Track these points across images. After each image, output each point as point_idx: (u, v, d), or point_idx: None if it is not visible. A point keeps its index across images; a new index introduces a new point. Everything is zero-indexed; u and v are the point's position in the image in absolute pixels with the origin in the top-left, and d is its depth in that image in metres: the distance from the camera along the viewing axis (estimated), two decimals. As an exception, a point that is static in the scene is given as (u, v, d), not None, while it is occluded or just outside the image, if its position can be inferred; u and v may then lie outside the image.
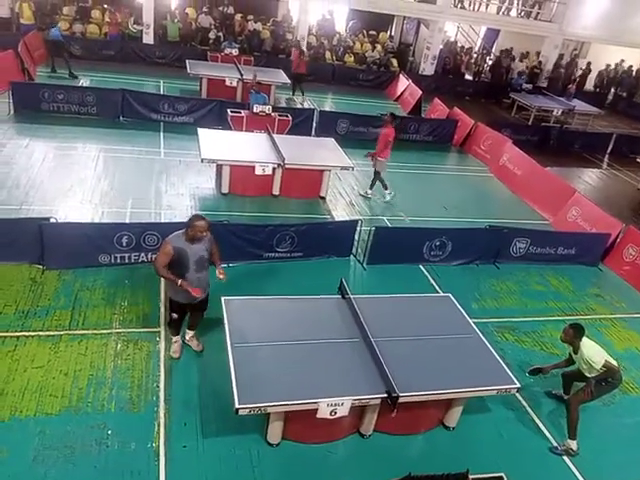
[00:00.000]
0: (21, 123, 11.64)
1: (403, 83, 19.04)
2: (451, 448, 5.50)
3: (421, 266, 8.68)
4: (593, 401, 5.71)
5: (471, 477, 4.22)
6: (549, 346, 7.29)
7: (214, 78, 14.98)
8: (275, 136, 10.85)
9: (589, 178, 14.84)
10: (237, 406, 4.54)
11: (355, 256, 8.62)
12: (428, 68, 21.36)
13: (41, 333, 6.12)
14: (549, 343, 7.34)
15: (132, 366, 5.86)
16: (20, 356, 5.76)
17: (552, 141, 16.23)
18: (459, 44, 25.14)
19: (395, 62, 21.94)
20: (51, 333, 6.14)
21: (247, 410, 4.58)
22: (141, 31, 18.49)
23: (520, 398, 6.24)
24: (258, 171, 9.76)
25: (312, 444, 5.25)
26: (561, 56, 23.28)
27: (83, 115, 12.41)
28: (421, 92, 17.39)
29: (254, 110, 12.09)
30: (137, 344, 6.17)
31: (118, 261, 7.41)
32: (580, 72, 23.69)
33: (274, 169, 9.89)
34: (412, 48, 23.93)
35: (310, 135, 13.09)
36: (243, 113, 12.23)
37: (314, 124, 13.55)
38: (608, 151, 16.86)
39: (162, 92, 15.06)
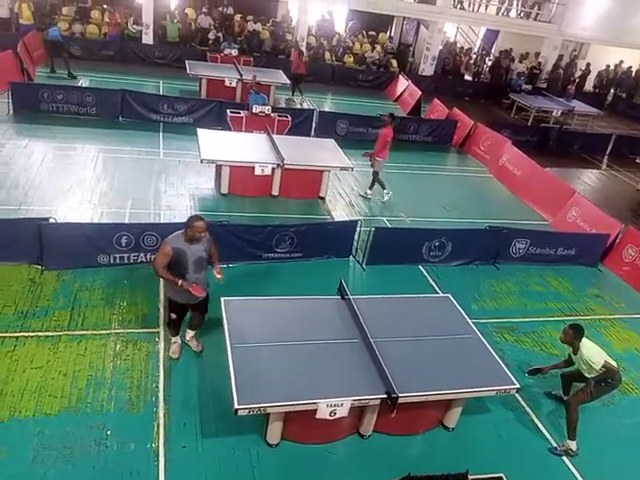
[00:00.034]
0: (20, 123, 11.63)
1: (403, 84, 19.04)
2: (451, 448, 5.50)
3: (421, 267, 8.68)
4: (592, 402, 5.71)
5: (471, 477, 4.22)
6: (548, 346, 7.29)
7: (213, 78, 14.98)
8: (274, 136, 10.85)
9: (588, 179, 14.85)
10: (236, 406, 4.54)
11: (354, 257, 8.62)
12: (428, 69, 21.38)
13: (40, 333, 6.11)
14: (548, 344, 7.34)
15: (131, 367, 5.86)
16: (19, 356, 5.76)
17: (551, 142, 16.24)
18: (459, 45, 25.16)
19: (395, 63, 21.95)
20: (50, 334, 6.13)
21: (246, 410, 4.58)
22: (140, 31, 18.50)
23: (519, 398, 6.24)
24: (257, 171, 9.76)
25: (311, 444, 5.25)
26: (560, 57, 23.30)
27: (82, 115, 12.40)
28: (421, 93, 17.39)
29: (253, 111, 12.09)
30: (136, 345, 6.17)
31: (117, 261, 7.40)
32: (579, 73, 23.70)
33: (273, 169, 9.89)
34: (412, 49, 23.94)
35: (309, 136, 13.10)
36: (242, 113, 12.23)
37: (313, 124, 13.55)
38: (607, 152, 16.87)
39: (161, 92, 15.05)
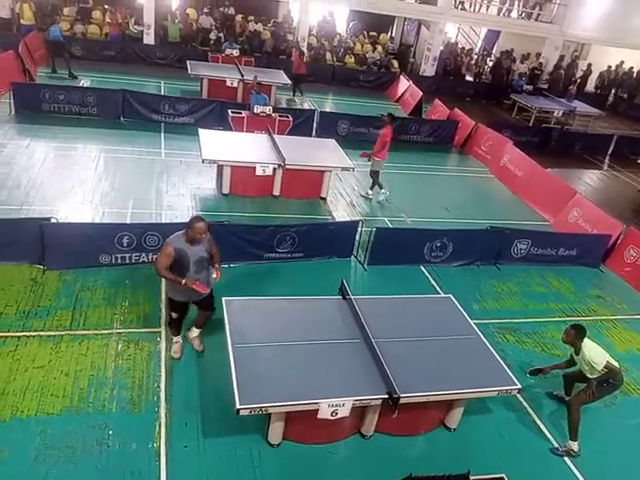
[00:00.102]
0: (22, 123, 11.65)
1: (404, 84, 19.04)
2: (452, 449, 5.50)
3: (422, 267, 8.68)
4: (594, 402, 5.71)
5: (472, 478, 4.22)
6: (550, 347, 7.29)
7: (215, 79, 14.98)
8: (276, 137, 10.86)
9: (590, 179, 14.84)
10: (238, 406, 4.54)
11: (356, 257, 8.62)
12: (429, 69, 21.38)
13: (42, 333, 6.12)
14: (550, 344, 7.34)
15: (133, 366, 5.86)
16: (21, 356, 5.76)
17: (553, 142, 16.23)
18: (460, 45, 25.15)
19: (396, 63, 21.95)
20: (52, 333, 6.14)
21: (248, 410, 4.58)
22: (142, 32, 18.50)
23: (521, 399, 6.23)
24: (259, 172, 9.76)
25: (313, 444, 5.25)
26: (562, 57, 23.27)
27: (84, 115, 12.42)
28: (422, 93, 17.38)
29: (255, 111, 12.10)
30: (138, 344, 6.17)
31: (119, 261, 7.41)
32: (581, 73, 23.70)
33: (275, 170, 9.90)
34: (413, 49, 23.92)
35: (311, 136, 13.10)
36: (244, 114, 12.24)
37: (315, 125, 13.56)
38: (609, 152, 16.86)
39: (163, 93, 15.06)
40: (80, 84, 14.50)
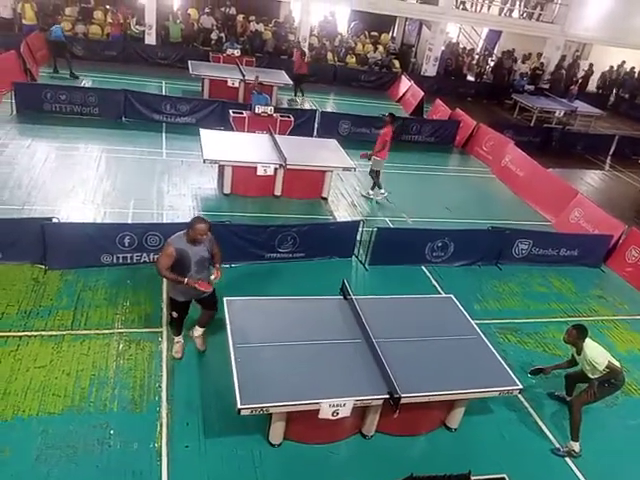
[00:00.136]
0: (23, 123, 11.66)
1: (405, 84, 19.04)
2: (453, 449, 5.50)
3: (423, 267, 8.68)
4: (596, 403, 5.70)
5: (473, 478, 4.22)
6: (551, 347, 7.28)
7: (216, 79, 15.00)
8: (277, 137, 10.86)
9: (591, 180, 14.83)
10: (239, 406, 4.54)
11: (357, 257, 8.62)
12: (430, 69, 21.37)
13: (43, 333, 6.13)
14: (551, 344, 7.34)
15: (134, 366, 5.87)
16: (23, 356, 5.77)
17: (554, 142, 16.22)
18: (461, 45, 25.13)
19: (397, 63, 21.94)
20: (53, 333, 6.15)
21: (249, 410, 4.58)
22: (143, 32, 18.51)
23: (522, 399, 6.23)
24: (260, 172, 9.77)
25: (314, 444, 5.25)
26: (563, 57, 23.25)
27: (85, 115, 12.43)
28: (423, 93, 17.37)
29: (256, 111, 12.10)
30: (139, 344, 6.18)
31: (120, 261, 7.42)
32: (582, 73, 23.67)
33: (276, 170, 9.90)
34: (414, 49, 23.92)
35: (312, 136, 13.09)
36: (245, 114, 12.24)
37: (316, 125, 13.56)
38: (610, 153, 16.84)
39: (164, 93, 15.07)
40: (82, 84, 14.53)
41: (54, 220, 7.15)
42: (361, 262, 8.52)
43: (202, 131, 10.49)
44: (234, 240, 7.64)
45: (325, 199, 10.45)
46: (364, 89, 19.75)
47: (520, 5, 23.86)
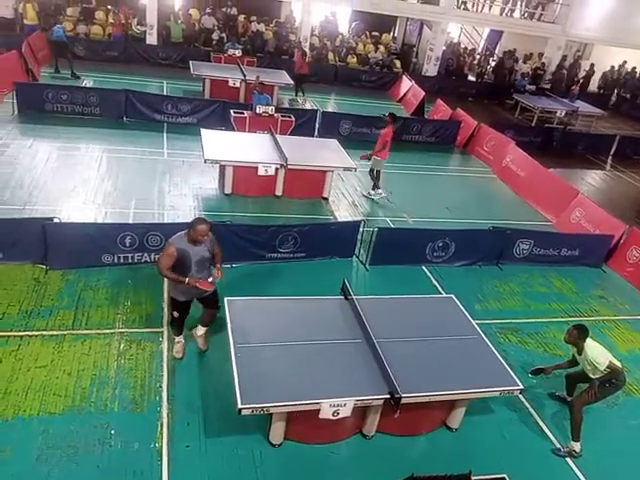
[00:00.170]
0: (25, 123, 11.68)
1: (406, 84, 19.03)
2: (454, 449, 5.50)
3: (424, 267, 8.68)
4: (597, 403, 5.70)
5: (474, 478, 4.22)
6: (552, 347, 7.28)
7: (217, 79, 15.01)
8: (278, 137, 10.86)
9: (592, 180, 14.81)
10: (240, 406, 4.54)
11: (358, 257, 8.62)
12: (431, 69, 21.37)
13: (44, 333, 6.13)
14: (552, 344, 7.33)
15: (135, 366, 5.87)
16: (24, 356, 5.78)
17: (555, 142, 16.20)
18: (462, 45, 25.13)
19: (398, 63, 21.93)
20: (54, 333, 6.15)
21: (250, 410, 4.59)
22: (145, 32, 18.53)
23: (523, 399, 6.22)
24: (261, 172, 9.77)
25: (314, 444, 5.25)
26: (564, 57, 23.23)
27: (87, 116, 12.44)
28: (424, 93, 17.36)
29: (257, 111, 12.11)
30: (140, 344, 6.18)
31: (121, 261, 7.42)
32: (583, 74, 23.65)
33: (277, 170, 9.90)
34: (415, 49, 23.92)
35: (313, 136, 13.09)
36: (246, 114, 12.25)
37: (317, 125, 13.56)
38: (611, 152, 16.82)
39: (165, 93, 15.08)
40: (83, 84, 14.54)
41: (55, 220, 7.15)
42: (362, 262, 8.52)
43: (203, 131, 10.49)
44: (235, 240, 7.65)
45: (326, 199, 10.45)
46: (365, 89, 19.74)
47: (521, 5, 23.84)
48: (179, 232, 5.54)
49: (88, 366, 5.77)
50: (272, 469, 4.99)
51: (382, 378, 5.02)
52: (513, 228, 9.12)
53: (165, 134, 12.41)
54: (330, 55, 20.71)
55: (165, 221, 8.66)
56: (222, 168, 9.98)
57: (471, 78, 22.84)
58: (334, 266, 8.31)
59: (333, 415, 4.81)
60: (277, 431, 5.10)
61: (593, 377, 5.59)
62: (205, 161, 9.55)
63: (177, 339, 6.08)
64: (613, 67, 23.83)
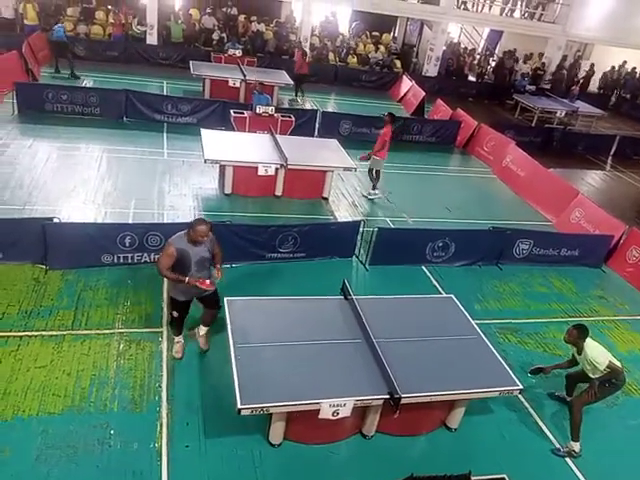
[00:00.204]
0: (25, 123, 11.68)
1: (406, 84, 19.03)
2: (453, 449, 5.50)
3: (424, 267, 8.68)
4: (596, 403, 5.69)
5: (473, 478, 4.22)
6: (552, 347, 7.28)
7: (217, 79, 15.00)
8: (278, 137, 10.86)
9: (592, 180, 14.81)
10: (239, 406, 4.54)
11: (358, 257, 8.62)
12: (431, 69, 21.37)
13: (44, 333, 6.13)
14: (552, 345, 7.33)
15: (135, 366, 5.87)
16: (23, 356, 5.78)
17: (555, 143, 16.20)
18: (462, 45, 25.13)
19: (398, 63, 21.94)
20: (54, 333, 6.15)
21: (249, 410, 4.58)
22: (145, 32, 18.53)
23: (522, 399, 6.22)
24: (261, 172, 9.77)
25: (314, 445, 5.25)
26: (564, 57, 23.23)
27: (87, 116, 12.44)
28: (424, 93, 17.36)
29: (257, 111, 12.10)
30: (140, 344, 6.18)
31: (121, 261, 7.42)
32: (583, 74, 23.64)
33: (277, 170, 9.90)
34: (415, 49, 23.91)
35: (313, 136, 13.09)
36: (246, 114, 12.25)
37: (317, 125, 13.56)
38: (611, 153, 16.81)
39: (165, 93, 15.08)
40: (83, 84, 14.55)
41: (55, 220, 7.15)
42: (362, 262, 8.52)
43: (203, 131, 10.49)
44: (235, 240, 7.65)
45: (326, 199, 10.45)
46: (365, 89, 19.74)
47: (521, 5, 23.84)
48: (179, 232, 5.54)
49: (87, 366, 5.77)
50: (272, 469, 4.99)
51: (382, 378, 5.02)
52: (513, 228, 9.12)
53: (165, 134, 12.41)
54: (330, 55, 20.72)
55: (165, 221, 8.65)
56: (222, 168, 9.98)
57: (471, 78, 22.84)
58: (334, 266, 8.30)
59: (333, 415, 4.81)
60: (277, 431, 5.10)
61: (593, 377, 5.59)
62: (205, 161, 9.55)
63: (176, 339, 6.08)
64: (613, 67, 23.83)
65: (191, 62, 15.46)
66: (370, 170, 10.75)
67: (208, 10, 20.34)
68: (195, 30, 19.37)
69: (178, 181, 10.22)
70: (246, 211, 9.50)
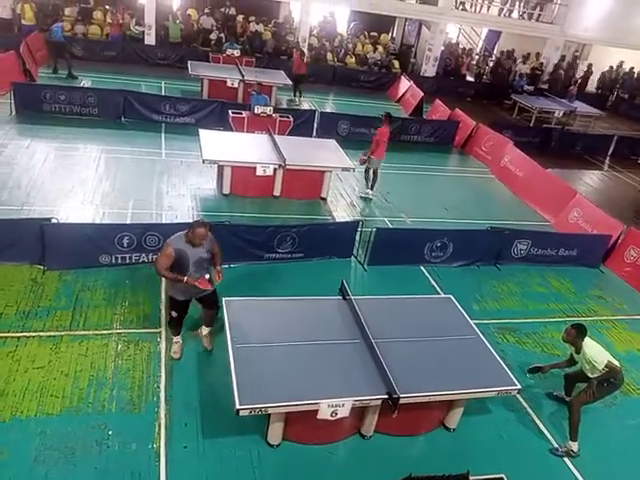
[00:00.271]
0: (23, 124, 11.66)
1: (404, 84, 19.04)
2: (452, 449, 5.50)
3: (422, 267, 8.68)
4: (595, 402, 5.70)
5: (472, 478, 4.21)
6: (550, 347, 7.29)
7: (215, 79, 14.99)
8: (276, 137, 10.86)
9: (590, 180, 14.83)
10: (238, 407, 4.54)
11: (356, 257, 8.62)
12: (429, 69, 21.38)
13: (42, 334, 6.12)
14: (550, 344, 7.34)
15: (133, 367, 5.86)
16: (21, 356, 5.76)
17: (553, 143, 16.22)
18: (460, 46, 25.15)
19: (396, 63, 21.95)
20: (52, 334, 6.14)
21: (248, 411, 4.58)
22: (143, 32, 18.50)
23: (521, 399, 6.23)
24: (259, 172, 9.77)
25: (313, 445, 5.25)
26: (562, 57, 23.27)
27: (85, 116, 12.43)
28: (422, 93, 17.38)
29: (255, 111, 12.10)
30: (138, 345, 6.18)
31: (119, 261, 7.41)
32: (581, 74, 23.67)
33: (275, 170, 9.90)
34: (414, 49, 23.91)
35: (311, 136, 13.11)
36: (244, 114, 12.24)
37: (315, 125, 13.57)
38: (609, 153, 16.84)
39: (163, 93, 15.06)
40: (81, 84, 14.52)
41: (53, 220, 7.15)
42: (360, 262, 8.52)
43: (201, 131, 10.48)
44: (233, 240, 7.64)
45: (324, 199, 10.44)
46: (363, 89, 19.74)
47: (519, 5, 23.87)
48: (178, 232, 5.54)
49: (85, 367, 5.76)
50: (270, 470, 4.98)
51: (380, 378, 5.02)
52: (511, 228, 9.13)
53: (163, 134, 12.40)
54: (328, 55, 20.71)
55: (163, 221, 8.64)
56: (220, 168, 9.98)
57: (469, 78, 22.84)
58: (332, 266, 8.30)
59: (331, 415, 4.81)
60: (275, 432, 5.10)
61: (591, 376, 5.60)
62: (203, 161, 9.54)
63: (175, 339, 6.07)
64: (612, 67, 23.86)
65: (189, 62, 15.47)
66: (367, 170, 10.75)
67: (206, 10, 20.33)
68: (193, 30, 19.35)
69: (176, 181, 10.21)
70: (244, 211, 9.50)
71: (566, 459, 5.61)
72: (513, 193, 12.41)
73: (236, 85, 14.96)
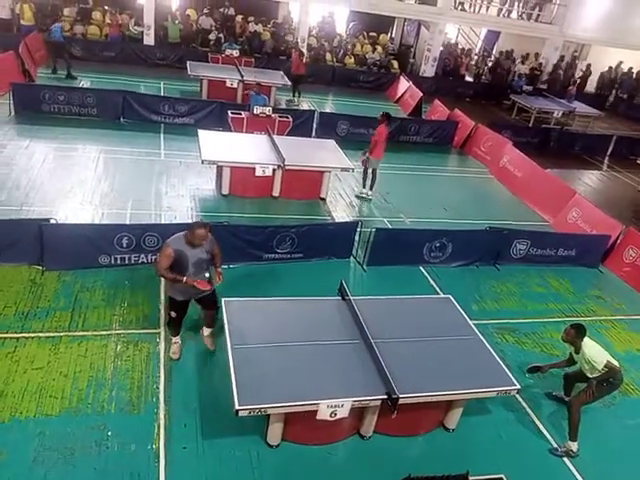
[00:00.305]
0: (21, 124, 11.65)
1: (403, 85, 19.04)
2: (451, 449, 5.50)
3: (421, 267, 8.68)
4: (594, 402, 5.71)
5: (471, 478, 4.22)
6: (549, 347, 7.29)
7: (214, 79, 14.98)
8: (275, 137, 10.86)
9: (589, 180, 14.84)
10: (237, 407, 4.54)
11: (355, 257, 8.62)
12: (428, 70, 21.38)
13: (41, 334, 6.12)
14: (549, 344, 7.34)
15: (132, 367, 5.86)
16: (20, 357, 5.76)
17: (552, 143, 16.23)
18: (460, 46, 25.15)
19: (395, 64, 21.95)
20: (51, 334, 6.14)
21: (247, 411, 4.58)
22: (142, 32, 18.50)
23: (520, 399, 6.23)
24: (258, 172, 9.77)
25: (312, 445, 5.25)
26: (561, 58, 23.28)
27: (84, 116, 12.41)
28: (421, 94, 17.38)
29: (254, 112, 12.10)
30: (137, 345, 6.17)
31: (118, 262, 7.41)
32: (580, 74, 23.69)
33: (274, 170, 9.90)
34: (413, 50, 23.92)
35: (310, 136, 13.10)
36: (243, 114, 12.24)
37: (314, 125, 13.57)
38: (608, 153, 16.85)
39: (162, 93, 15.04)
40: (80, 85, 14.51)
41: (52, 221, 7.15)
42: (359, 263, 8.52)
43: (200, 132, 10.48)
44: (232, 241, 7.64)
45: (323, 200, 10.44)
46: (362, 90, 19.73)
47: (519, 6, 23.88)
48: (178, 233, 5.54)
49: (85, 368, 5.75)
50: (269, 470, 4.98)
51: (379, 379, 5.02)
52: (510, 228, 9.13)
53: (162, 135, 12.39)
54: (328, 56, 20.72)
55: (162, 222, 8.63)
56: (219, 169, 9.97)
57: (468, 79, 22.83)
58: (331, 267, 8.30)
59: (331, 416, 4.81)
60: (274, 432, 5.10)
61: (591, 376, 5.60)
62: (202, 162, 9.54)
63: (174, 340, 6.07)
64: (611, 67, 23.87)
65: (188, 63, 15.46)
66: (365, 170, 10.74)
67: (205, 10, 20.33)
68: (192, 30, 19.34)
69: (175, 182, 10.21)
70: (243, 212, 9.49)
71: (565, 459, 5.61)
72: (512, 193, 12.41)
73: (235, 85, 14.96)
